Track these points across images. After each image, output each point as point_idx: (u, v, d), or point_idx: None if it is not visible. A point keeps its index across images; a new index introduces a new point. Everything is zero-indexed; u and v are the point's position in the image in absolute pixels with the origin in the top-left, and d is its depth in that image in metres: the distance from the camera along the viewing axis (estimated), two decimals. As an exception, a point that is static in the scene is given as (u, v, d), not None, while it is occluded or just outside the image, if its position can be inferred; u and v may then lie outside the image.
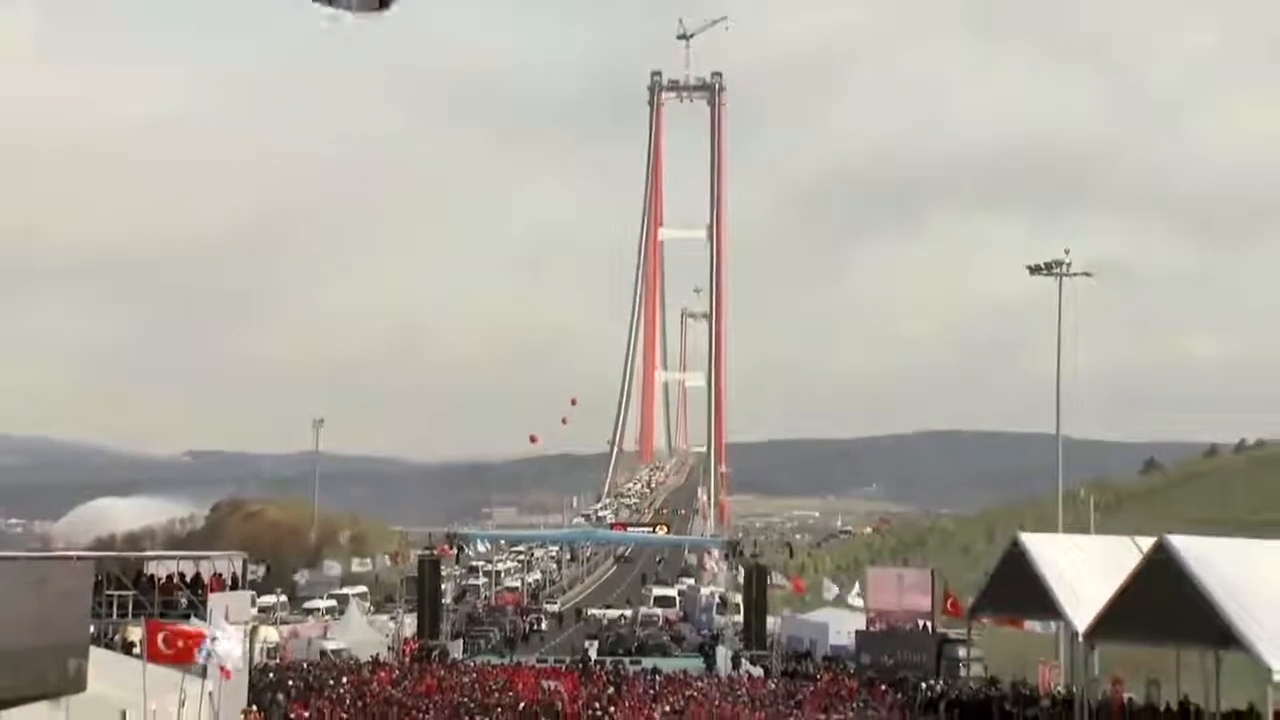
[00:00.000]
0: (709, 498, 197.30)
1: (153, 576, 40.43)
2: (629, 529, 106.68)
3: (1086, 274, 55.83)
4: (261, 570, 77.15)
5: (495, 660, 57.41)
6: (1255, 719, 31.24)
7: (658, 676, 48.27)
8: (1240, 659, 28.47)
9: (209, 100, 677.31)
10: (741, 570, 64.18)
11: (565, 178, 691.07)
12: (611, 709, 38.80)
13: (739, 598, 64.97)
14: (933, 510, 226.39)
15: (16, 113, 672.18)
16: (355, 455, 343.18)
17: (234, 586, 41.36)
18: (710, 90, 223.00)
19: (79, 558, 39.50)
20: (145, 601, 38.13)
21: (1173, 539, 30.96)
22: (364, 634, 63.24)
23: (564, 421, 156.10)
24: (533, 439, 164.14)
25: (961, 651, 48.79)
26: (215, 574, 41.01)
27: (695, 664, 58.53)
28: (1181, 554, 30.02)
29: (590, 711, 38.42)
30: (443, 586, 67.93)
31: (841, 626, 60.45)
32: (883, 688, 44.07)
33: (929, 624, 54.89)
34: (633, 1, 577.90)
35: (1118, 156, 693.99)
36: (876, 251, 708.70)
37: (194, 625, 30.70)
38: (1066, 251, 55.10)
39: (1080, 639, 35.01)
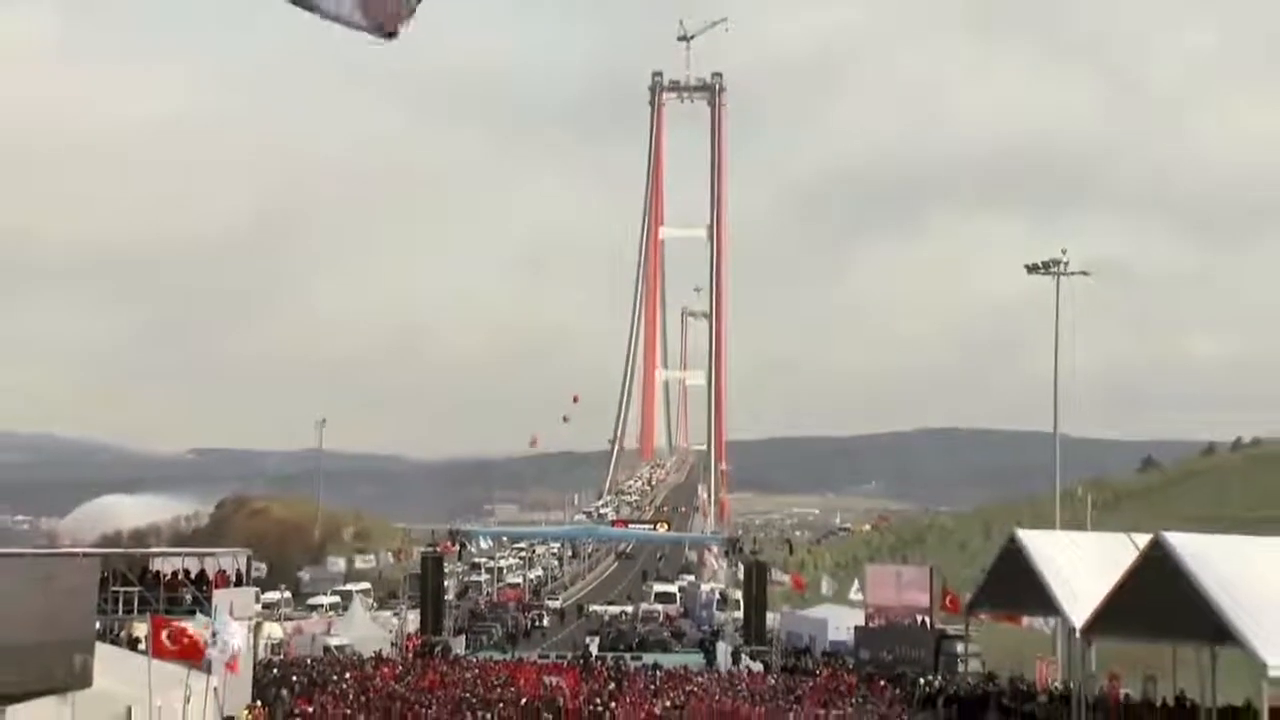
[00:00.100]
0: (709, 495, 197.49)
1: (158, 573, 40.66)
2: (630, 526, 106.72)
3: (1084, 273, 56.05)
4: (264, 568, 77.52)
5: (497, 656, 57.66)
6: (1251, 714, 31.41)
7: (658, 672, 48.49)
8: (1236, 655, 28.55)
9: (209, 100, 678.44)
10: (741, 567, 64.38)
11: (565, 178, 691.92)
12: (613, 704, 38.94)
13: (739, 594, 65.17)
14: (931, 507, 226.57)
15: (17, 113, 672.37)
16: (359, 453, 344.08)
17: (238, 583, 41.59)
18: (710, 91, 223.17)
19: (85, 554, 39.91)
20: (150, 598, 38.35)
21: (1169, 536, 31.06)
22: (367, 630, 63.49)
23: (565, 419, 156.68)
24: (533, 441, 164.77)
25: (959, 647, 48.94)
26: (220, 571, 41.24)
27: (696, 659, 58.82)
28: (1178, 551, 30.12)
29: (591, 706, 38.59)
30: (445, 583, 68.08)
31: (840, 622, 60.79)
32: (881, 683, 44.30)
33: (927, 620, 55.12)
34: (633, 2, 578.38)
35: (1118, 156, 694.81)
36: (876, 251, 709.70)
37: (198, 621, 30.89)
38: (1064, 251, 55.31)
39: (1077, 635, 35.09)
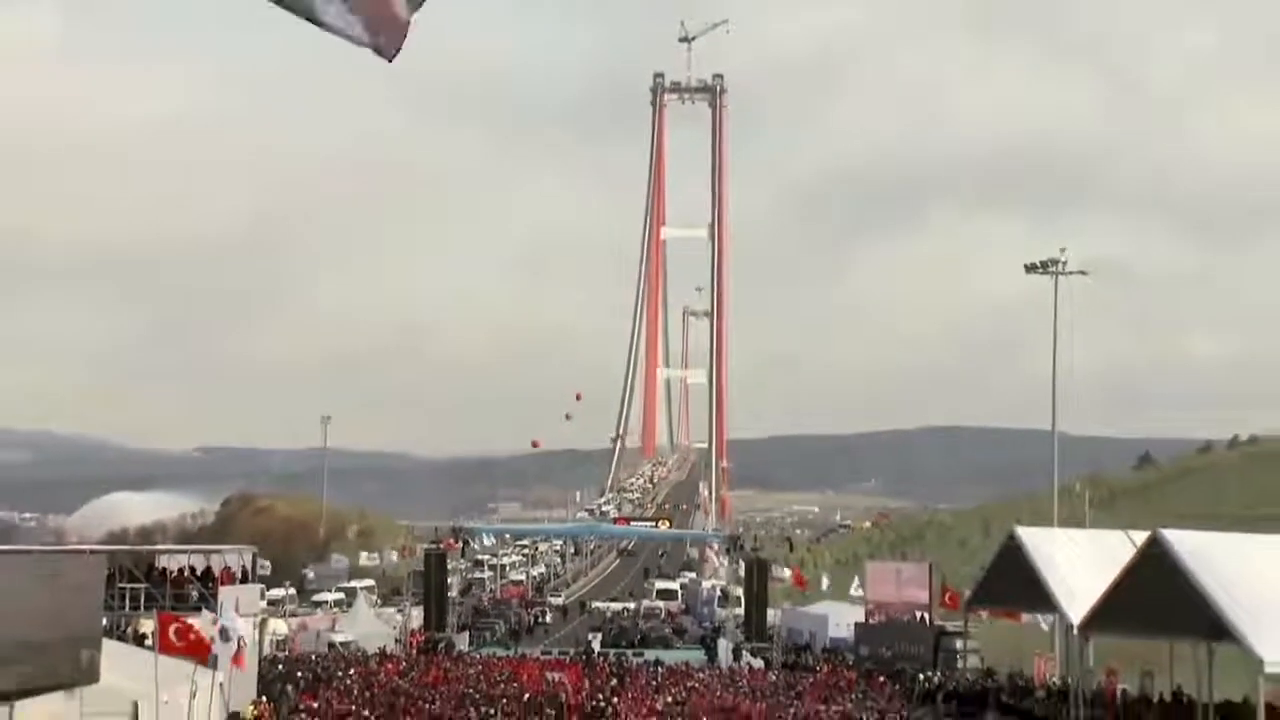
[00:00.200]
0: (710, 493, 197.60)
1: (164, 570, 40.99)
2: (632, 523, 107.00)
3: (1083, 273, 56.33)
4: (269, 565, 77.76)
5: (500, 652, 57.91)
6: (1247, 710, 31.63)
7: (660, 668, 48.77)
8: (1232, 651, 28.68)
9: (209, 100, 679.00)
10: (742, 564, 64.64)
11: (565, 178, 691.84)
12: (615, 700, 39.15)
13: (740, 591, 65.41)
14: (930, 505, 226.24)
15: (17, 113, 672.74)
16: (364, 451, 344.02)
17: (244, 580, 41.88)
18: (711, 92, 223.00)
19: (92, 551, 40.14)
20: (157, 594, 38.69)
21: (1167, 533, 31.25)
22: (371, 626, 63.77)
23: (568, 417, 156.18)
24: (534, 444, 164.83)
25: (958, 643, 49.15)
26: (225, 568, 41.55)
27: (697, 656, 59.02)
28: (1175, 548, 30.31)
29: (594, 702, 38.81)
30: (449, 580, 68.32)
31: (841, 619, 60.98)
32: (881, 679, 44.52)
33: (926, 616, 55.33)
34: (633, 3, 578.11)
35: (1118, 156, 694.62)
36: (877, 251, 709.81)
37: (204, 618, 31.14)
38: (1063, 251, 55.58)
39: (1075, 631, 35.30)
